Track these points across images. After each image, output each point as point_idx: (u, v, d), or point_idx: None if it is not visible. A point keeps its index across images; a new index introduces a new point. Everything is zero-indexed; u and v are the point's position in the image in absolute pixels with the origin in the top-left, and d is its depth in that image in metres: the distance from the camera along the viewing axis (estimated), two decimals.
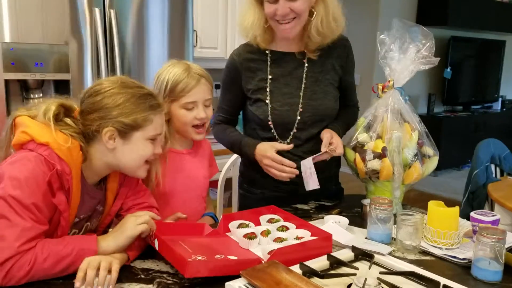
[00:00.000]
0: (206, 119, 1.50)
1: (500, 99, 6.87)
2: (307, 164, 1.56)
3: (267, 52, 1.65)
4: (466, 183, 2.87)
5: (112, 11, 2.22)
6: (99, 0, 2.19)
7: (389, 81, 1.59)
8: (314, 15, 1.55)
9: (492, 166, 2.92)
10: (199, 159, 1.63)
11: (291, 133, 1.64)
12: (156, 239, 1.17)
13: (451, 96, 6.11)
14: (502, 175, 2.97)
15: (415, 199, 4.80)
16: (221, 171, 2.30)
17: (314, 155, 1.56)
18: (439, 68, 5.98)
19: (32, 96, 2.10)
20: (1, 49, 1.96)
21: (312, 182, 1.57)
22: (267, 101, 1.62)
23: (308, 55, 1.64)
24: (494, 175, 2.88)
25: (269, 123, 1.63)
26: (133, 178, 1.33)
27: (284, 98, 1.63)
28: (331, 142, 1.56)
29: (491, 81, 6.70)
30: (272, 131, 1.64)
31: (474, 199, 2.76)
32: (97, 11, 2.17)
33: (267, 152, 1.55)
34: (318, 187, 1.56)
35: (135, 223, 1.15)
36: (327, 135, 1.58)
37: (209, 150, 1.70)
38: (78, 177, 1.13)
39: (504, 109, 6.87)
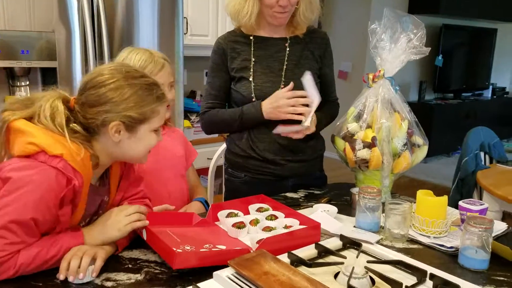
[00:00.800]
0: (171, 100, 1.56)
1: (490, 87, 6.90)
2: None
3: (251, 37, 1.72)
4: (456, 170, 2.89)
5: None
6: None
7: (379, 70, 1.58)
8: (299, 4, 1.65)
9: (482, 154, 2.94)
10: (172, 140, 1.67)
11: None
12: (144, 229, 1.16)
13: (442, 83, 6.13)
14: (491, 162, 3.00)
15: (406, 186, 4.84)
16: (211, 158, 2.31)
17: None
18: (431, 56, 5.98)
19: (18, 84, 2.08)
20: None
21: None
22: (250, 79, 1.67)
23: (295, 33, 1.72)
24: (483, 163, 2.90)
25: (253, 99, 1.66)
26: (131, 170, 1.30)
27: (266, 77, 1.68)
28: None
29: (482, 69, 6.73)
30: None
31: (463, 186, 2.79)
32: None
33: (278, 94, 1.60)
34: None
35: (124, 223, 1.14)
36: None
37: (183, 137, 1.76)
38: (88, 185, 1.10)
39: (495, 96, 6.92)
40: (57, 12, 2.11)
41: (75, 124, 1.10)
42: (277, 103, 1.59)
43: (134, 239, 1.21)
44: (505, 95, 7.11)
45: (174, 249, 1.05)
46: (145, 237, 1.16)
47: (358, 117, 1.60)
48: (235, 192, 1.73)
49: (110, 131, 1.10)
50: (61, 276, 1.00)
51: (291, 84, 1.60)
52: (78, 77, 2.20)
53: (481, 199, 2.65)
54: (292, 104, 1.58)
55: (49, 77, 2.13)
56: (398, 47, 1.55)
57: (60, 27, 2.13)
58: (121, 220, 1.14)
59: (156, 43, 2.50)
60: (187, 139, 1.78)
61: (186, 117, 3.08)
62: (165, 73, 1.53)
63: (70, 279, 1.01)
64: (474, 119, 6.07)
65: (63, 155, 1.03)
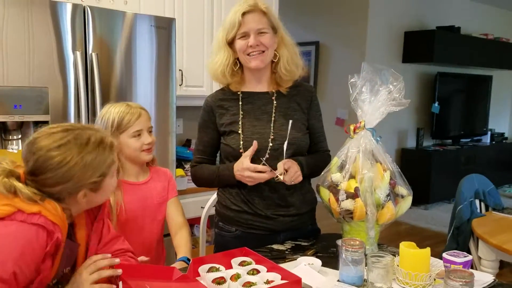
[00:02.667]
0: (152, 143, 1.76)
1: (489, 133, 6.94)
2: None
3: (238, 93, 1.76)
4: (451, 219, 2.87)
5: (94, 54, 2.27)
6: (81, 43, 2.24)
7: (360, 122, 1.61)
8: (278, 57, 1.72)
9: (477, 201, 2.92)
10: (156, 186, 1.82)
11: (262, 163, 1.65)
12: (120, 282, 1.16)
13: (440, 130, 6.17)
14: (487, 210, 2.97)
15: (406, 233, 4.78)
16: (203, 207, 2.31)
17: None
18: (427, 103, 6.07)
19: (10, 137, 2.11)
20: None
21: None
22: (239, 131, 1.70)
23: (280, 89, 1.77)
24: (479, 210, 2.88)
25: (240, 150, 1.68)
26: (98, 225, 1.29)
27: (255, 129, 1.71)
28: (285, 168, 1.60)
29: (480, 115, 6.79)
30: None
31: (459, 235, 2.75)
32: (78, 54, 2.22)
33: (243, 164, 1.62)
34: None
35: (89, 282, 1.13)
36: (286, 161, 1.61)
37: (168, 177, 1.89)
38: (64, 237, 1.11)
39: (493, 142, 6.94)
40: (55, 68, 2.18)
41: (35, 190, 1.08)
42: (241, 173, 1.62)
43: None
44: (504, 141, 7.13)
45: None
46: None
47: (341, 167, 1.61)
48: (226, 247, 1.66)
49: (78, 199, 1.14)
50: None
51: (255, 144, 1.62)
52: None
53: (477, 248, 2.61)
54: (253, 178, 1.60)
55: None
56: (378, 99, 1.58)
57: (56, 82, 2.19)
58: (86, 279, 1.14)
59: (153, 95, 2.57)
60: (172, 178, 1.91)
61: (180, 165, 3.10)
62: (143, 120, 1.72)
63: None
64: (474, 164, 6.06)
65: (41, 212, 1.04)
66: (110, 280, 1.19)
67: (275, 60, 1.72)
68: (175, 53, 2.66)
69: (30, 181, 1.10)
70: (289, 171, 1.60)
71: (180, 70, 3.01)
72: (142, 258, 1.44)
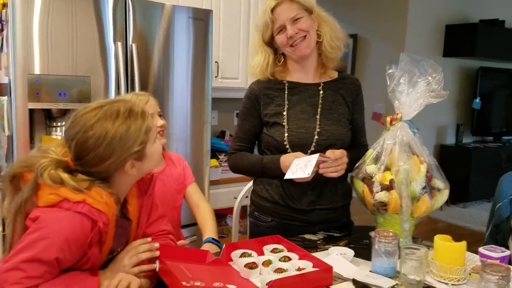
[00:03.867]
0: (164, 126, 1.79)
1: None
2: (312, 157, 1.52)
3: (284, 82, 1.75)
4: (489, 217, 2.77)
5: (134, 45, 2.33)
6: (122, 34, 2.31)
7: (397, 113, 1.59)
8: (322, 36, 1.69)
9: None
10: (171, 173, 1.86)
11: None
12: (157, 260, 1.19)
13: (481, 126, 5.98)
14: None
15: (443, 231, 4.66)
16: (236, 198, 2.34)
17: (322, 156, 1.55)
18: (468, 99, 5.90)
19: (55, 124, 2.20)
20: (27, 80, 2.09)
21: (300, 172, 1.52)
22: (284, 123, 1.68)
23: (326, 78, 1.76)
24: None
25: (285, 143, 1.66)
26: (148, 201, 1.33)
27: (300, 122, 1.69)
28: (338, 159, 1.56)
29: None
30: (288, 151, 1.66)
31: (498, 233, 2.65)
32: (119, 44, 2.28)
33: (288, 160, 1.58)
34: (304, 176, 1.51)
35: (129, 267, 1.17)
36: (341, 152, 1.58)
37: (183, 163, 1.93)
38: (113, 224, 1.14)
39: None
40: (97, 58, 2.26)
41: (84, 176, 1.12)
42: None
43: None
44: None
45: (184, 282, 1.07)
46: (157, 268, 1.18)
47: (376, 159, 1.59)
48: (261, 236, 1.69)
49: (128, 171, 1.16)
50: None
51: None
52: None
53: None
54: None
55: None
56: (416, 90, 1.55)
57: (98, 72, 2.27)
58: (125, 264, 1.18)
59: (189, 86, 2.61)
60: (186, 164, 1.95)
61: (214, 156, 3.14)
62: (151, 105, 1.75)
63: None
64: None
65: (85, 200, 1.08)
66: (148, 260, 1.22)
67: (320, 40, 1.69)
68: (212, 45, 2.69)
69: (78, 166, 1.13)
70: (341, 161, 1.57)
71: (216, 62, 3.05)
72: (182, 242, 1.47)
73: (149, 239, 1.25)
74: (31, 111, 2.14)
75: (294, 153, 1.63)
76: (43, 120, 2.25)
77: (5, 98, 2.18)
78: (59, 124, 2.20)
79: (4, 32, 2.14)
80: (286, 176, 1.54)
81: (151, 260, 1.21)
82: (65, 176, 1.09)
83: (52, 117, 2.23)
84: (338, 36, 1.72)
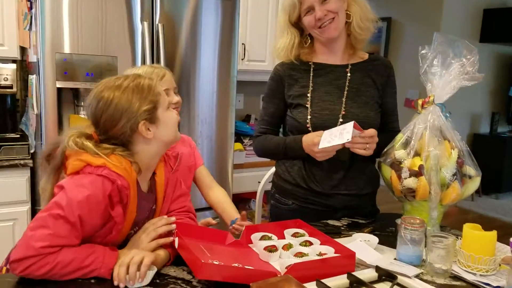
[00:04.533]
0: (179, 104, 1.68)
1: None
2: (346, 125, 1.49)
3: (310, 63, 1.70)
4: None
5: (160, 25, 2.31)
6: (149, 14, 2.29)
7: (429, 96, 1.52)
8: (351, 17, 1.63)
9: None
10: (181, 151, 1.74)
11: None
12: (177, 237, 1.19)
13: None
14: None
15: (473, 222, 4.55)
16: (259, 182, 2.32)
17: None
18: (504, 86, 5.68)
19: (83, 103, 2.22)
20: (56, 59, 2.10)
21: (337, 139, 1.48)
22: (307, 105, 1.65)
23: (355, 59, 1.71)
24: None
25: (308, 125, 1.63)
26: (173, 177, 1.37)
27: (324, 104, 1.65)
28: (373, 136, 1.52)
29: None
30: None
31: None
32: (145, 24, 2.27)
33: (315, 139, 1.55)
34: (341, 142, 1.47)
35: (146, 242, 1.19)
36: (373, 130, 1.54)
37: (190, 142, 1.85)
38: (135, 191, 1.18)
39: None
40: (125, 38, 2.26)
41: (106, 145, 1.18)
42: (310, 149, 1.57)
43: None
44: None
45: (202, 260, 1.06)
46: (176, 245, 1.18)
47: (406, 144, 1.53)
48: (281, 219, 1.65)
49: (142, 132, 1.19)
50: (115, 282, 1.08)
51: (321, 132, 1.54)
52: None
53: None
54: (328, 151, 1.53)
55: None
56: (449, 72, 1.48)
57: (124, 53, 2.27)
58: (143, 239, 1.19)
59: (215, 68, 2.58)
60: (195, 146, 1.88)
61: (239, 139, 3.12)
62: (168, 79, 1.65)
63: (121, 286, 1.06)
64: None
65: (105, 164, 1.13)
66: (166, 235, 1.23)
67: (349, 20, 1.64)
68: (239, 26, 2.65)
69: (100, 135, 1.20)
70: (371, 140, 1.52)
71: (243, 44, 3.01)
72: (211, 220, 1.46)
73: (165, 216, 1.27)
74: (59, 90, 2.16)
75: (316, 132, 1.58)
76: (71, 99, 2.27)
77: (34, 76, 2.21)
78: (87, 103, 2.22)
79: (33, 10, 2.15)
80: (321, 146, 1.50)
81: (168, 235, 1.22)
82: (87, 142, 1.16)
83: (80, 96, 2.24)
84: (368, 16, 1.66)
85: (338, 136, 1.48)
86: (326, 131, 1.53)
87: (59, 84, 2.12)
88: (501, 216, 4.76)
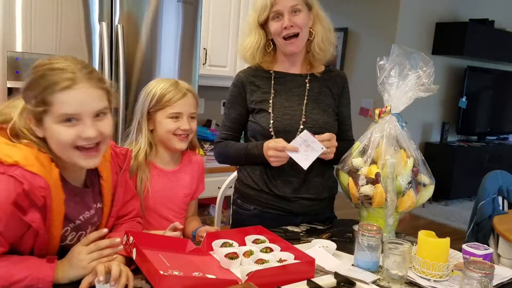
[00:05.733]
0: (190, 131, 1.58)
1: None
2: (304, 137, 1.54)
3: (271, 71, 1.74)
4: (472, 214, 2.80)
5: (119, 26, 2.26)
6: (108, 14, 2.24)
7: (386, 106, 1.57)
8: (313, 35, 1.67)
9: (500, 198, 2.84)
10: (184, 177, 1.67)
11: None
12: (134, 248, 1.15)
13: (466, 125, 6.03)
14: (510, 208, 2.89)
15: (424, 228, 4.71)
16: (219, 187, 2.30)
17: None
18: (454, 97, 5.93)
19: None
20: (7, 58, 2.01)
21: (312, 153, 1.53)
22: (270, 110, 1.67)
23: (312, 71, 1.74)
24: (501, 208, 2.80)
25: (270, 130, 1.65)
26: (123, 178, 1.32)
27: (286, 110, 1.68)
28: (330, 139, 1.57)
29: (508, 112, 6.59)
30: (273, 137, 1.65)
31: (479, 231, 2.69)
32: (104, 25, 2.21)
33: (269, 143, 1.58)
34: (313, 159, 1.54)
35: (86, 262, 1.10)
36: (329, 135, 1.59)
37: (200, 169, 1.74)
38: (58, 188, 1.09)
39: None
40: (82, 38, 2.19)
41: (25, 130, 1.09)
42: (265, 153, 1.59)
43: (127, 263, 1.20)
44: None
45: (161, 272, 1.03)
46: (134, 257, 1.15)
47: (363, 152, 1.57)
48: (242, 225, 1.65)
49: (32, 126, 1.08)
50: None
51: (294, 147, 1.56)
52: None
53: (497, 245, 2.54)
54: (280, 157, 1.57)
55: None
56: (406, 83, 1.53)
57: (81, 53, 2.19)
58: (82, 259, 1.10)
59: (176, 72, 2.55)
60: (203, 171, 1.76)
61: (200, 145, 3.08)
62: (185, 102, 1.55)
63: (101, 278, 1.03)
64: (498, 163, 5.90)
65: (18, 162, 1.02)
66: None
67: (311, 38, 1.68)
68: (201, 31, 2.64)
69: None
70: (329, 143, 1.57)
71: (204, 48, 2.99)
72: (177, 225, 1.40)
73: (105, 230, 1.17)
74: (10, 90, 2.07)
75: (276, 139, 1.60)
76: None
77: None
78: None
79: None
80: (305, 166, 1.55)
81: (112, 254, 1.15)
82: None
83: None
84: (330, 39, 1.71)
85: (310, 149, 1.54)
86: (288, 152, 1.55)
87: (10, 84, 2.03)
88: (450, 222, 4.96)
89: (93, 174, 1.24)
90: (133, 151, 1.54)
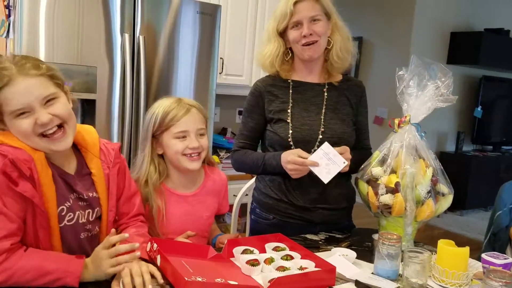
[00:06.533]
0: (200, 148, 1.51)
1: None
2: (325, 149, 1.55)
3: (289, 81, 1.75)
4: (488, 225, 2.77)
5: (141, 37, 2.31)
6: (130, 26, 2.29)
7: (405, 116, 1.58)
8: (332, 44, 1.69)
9: None
10: (206, 199, 1.62)
11: (310, 154, 1.64)
12: (159, 255, 1.18)
13: (481, 135, 5.98)
14: None
15: (440, 237, 4.68)
16: (235, 195, 2.32)
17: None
18: (470, 107, 5.90)
19: None
20: None
21: (334, 167, 1.54)
22: (288, 120, 1.68)
23: (330, 80, 1.75)
24: None
25: (289, 139, 1.66)
26: (114, 172, 1.33)
27: (304, 120, 1.69)
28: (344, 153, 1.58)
29: None
30: (292, 147, 1.66)
31: (496, 241, 2.65)
32: (126, 36, 2.27)
33: (288, 157, 1.58)
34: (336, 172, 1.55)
35: (106, 267, 1.13)
36: (344, 148, 1.60)
37: (223, 187, 1.70)
38: (43, 162, 1.14)
39: None
40: (103, 49, 2.24)
41: None
42: (287, 165, 1.59)
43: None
44: None
45: (186, 278, 1.06)
46: (158, 263, 1.17)
47: (383, 162, 1.59)
48: (261, 233, 1.64)
49: None
50: None
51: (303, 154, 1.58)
52: (116, 110, 2.30)
53: None
54: (300, 170, 1.58)
55: (89, 107, 2.24)
56: (425, 94, 1.55)
57: (104, 63, 2.25)
58: (104, 264, 1.13)
59: (192, 81, 2.60)
60: (226, 189, 1.72)
61: (215, 152, 3.13)
62: (190, 119, 1.49)
63: None
64: None
65: (1, 141, 1.11)
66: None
67: (329, 47, 1.70)
68: (218, 41, 2.68)
69: None
70: (345, 155, 1.57)
71: (221, 58, 3.03)
72: (190, 233, 1.44)
73: (126, 235, 1.19)
74: None
75: (294, 149, 1.62)
76: None
77: None
78: None
79: (12, 17, 2.12)
80: (326, 180, 1.55)
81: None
82: None
83: None
84: (347, 48, 1.72)
85: (331, 163, 1.55)
86: (311, 167, 1.55)
87: None
88: (466, 233, 4.91)
89: (84, 168, 1.28)
90: (141, 179, 1.51)
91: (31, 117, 1.12)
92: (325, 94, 1.73)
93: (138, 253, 1.18)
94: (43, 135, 1.14)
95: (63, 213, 1.19)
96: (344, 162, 1.55)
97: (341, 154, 1.56)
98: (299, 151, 1.60)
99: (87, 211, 1.25)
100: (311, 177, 1.61)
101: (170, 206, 1.53)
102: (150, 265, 1.14)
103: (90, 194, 1.27)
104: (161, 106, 1.51)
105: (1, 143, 1.11)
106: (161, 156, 1.55)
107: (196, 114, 1.52)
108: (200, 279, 1.12)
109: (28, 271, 1.06)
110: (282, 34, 1.70)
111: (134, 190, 1.41)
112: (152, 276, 1.14)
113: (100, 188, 1.28)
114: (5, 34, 2.21)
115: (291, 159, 1.57)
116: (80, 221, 1.24)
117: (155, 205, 1.49)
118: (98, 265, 1.14)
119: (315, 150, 1.62)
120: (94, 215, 1.28)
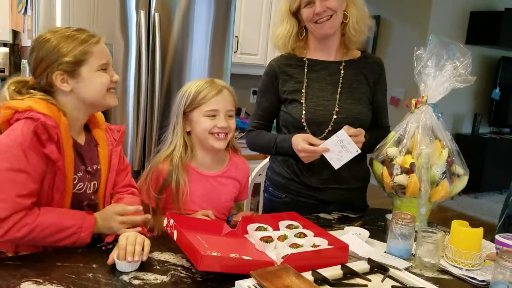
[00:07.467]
0: (228, 129, 1.53)
1: None
2: (340, 136, 1.54)
3: (304, 59, 1.73)
4: (503, 207, 2.75)
5: (156, 14, 2.31)
6: (145, 3, 2.29)
7: (422, 96, 1.57)
8: (348, 18, 1.66)
9: None
10: (228, 182, 1.63)
11: (323, 134, 1.65)
12: (175, 230, 1.21)
13: (498, 117, 5.90)
14: None
15: (453, 219, 4.67)
16: (249, 175, 2.34)
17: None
18: (487, 88, 5.80)
19: None
20: None
21: (346, 154, 1.55)
22: (302, 101, 1.67)
23: (348, 57, 1.73)
24: None
25: (302, 121, 1.66)
26: (117, 150, 1.41)
27: (319, 100, 1.68)
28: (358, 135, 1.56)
29: None
30: (305, 129, 1.66)
31: (510, 224, 2.64)
32: (142, 13, 2.26)
33: (298, 145, 1.58)
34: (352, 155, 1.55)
35: (115, 227, 1.25)
36: (358, 130, 1.58)
37: (245, 176, 1.71)
38: (66, 131, 1.21)
39: None
40: (118, 26, 2.25)
41: (33, 90, 1.23)
42: (298, 153, 1.60)
43: (165, 242, 1.27)
44: None
45: (202, 252, 1.08)
46: (175, 238, 1.20)
47: (398, 142, 1.58)
48: (274, 212, 1.64)
49: (57, 82, 1.21)
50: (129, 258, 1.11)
51: (322, 142, 1.57)
52: (132, 87, 2.32)
53: None
54: (311, 157, 1.59)
55: None
56: (443, 74, 1.53)
57: (119, 40, 2.26)
58: (114, 219, 1.25)
59: (207, 60, 2.59)
60: (248, 177, 1.73)
61: None
62: (221, 99, 1.51)
63: (129, 259, 1.10)
64: None
65: (31, 107, 1.16)
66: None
67: (345, 21, 1.66)
68: (234, 19, 2.66)
69: (34, 78, 1.25)
70: (358, 138, 1.56)
71: (236, 36, 3.01)
72: (210, 214, 1.47)
73: (140, 207, 1.33)
74: None
75: (304, 134, 1.61)
76: None
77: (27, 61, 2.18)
78: None
79: None
80: (337, 166, 1.57)
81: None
82: (5, 89, 1.21)
83: None
84: (364, 20, 1.69)
85: (344, 150, 1.54)
86: (323, 153, 1.56)
87: None
88: (480, 215, 4.89)
89: (92, 141, 1.36)
90: (166, 154, 1.54)
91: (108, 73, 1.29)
92: (342, 72, 1.71)
93: (138, 229, 1.28)
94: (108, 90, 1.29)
95: (75, 182, 1.27)
96: (357, 151, 1.53)
97: (355, 136, 1.55)
98: (309, 137, 1.59)
99: (92, 183, 1.33)
100: (323, 159, 1.61)
101: (192, 184, 1.55)
102: (146, 240, 1.18)
103: (95, 167, 1.35)
104: (194, 85, 1.54)
105: (30, 109, 1.15)
106: (188, 134, 1.58)
107: (228, 95, 1.54)
108: (215, 254, 1.14)
109: (47, 227, 1.13)
110: (296, 13, 1.68)
111: (126, 165, 1.48)
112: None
113: (103, 160, 1.36)
114: (23, 11, 2.22)
115: (301, 148, 1.57)
116: (87, 192, 1.32)
117: (182, 180, 1.51)
118: (108, 220, 1.25)
119: (329, 131, 1.62)
120: (96, 187, 1.37)
